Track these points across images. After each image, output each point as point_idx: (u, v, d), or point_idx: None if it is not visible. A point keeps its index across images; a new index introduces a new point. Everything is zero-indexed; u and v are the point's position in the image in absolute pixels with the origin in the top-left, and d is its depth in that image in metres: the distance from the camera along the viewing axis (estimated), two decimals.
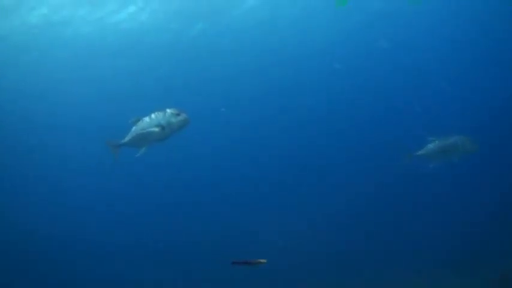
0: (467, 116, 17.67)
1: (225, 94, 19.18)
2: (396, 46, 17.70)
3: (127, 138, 6.86)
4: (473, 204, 15.59)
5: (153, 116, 6.56)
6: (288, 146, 19.94)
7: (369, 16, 16.60)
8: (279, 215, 16.01)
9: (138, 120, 6.70)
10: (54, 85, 17.38)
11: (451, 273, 11.61)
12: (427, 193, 16.38)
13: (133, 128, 6.77)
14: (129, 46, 16.67)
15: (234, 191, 19.19)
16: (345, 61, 18.05)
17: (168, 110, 6.49)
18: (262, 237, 14.70)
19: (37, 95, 17.64)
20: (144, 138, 6.65)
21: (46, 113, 18.17)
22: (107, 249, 16.84)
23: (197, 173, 19.75)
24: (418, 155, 8.95)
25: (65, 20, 15.00)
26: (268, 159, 19.65)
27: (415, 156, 8.94)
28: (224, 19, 16.24)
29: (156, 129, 6.45)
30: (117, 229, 17.96)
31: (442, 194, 16.14)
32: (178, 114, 6.42)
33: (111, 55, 16.83)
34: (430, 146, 8.89)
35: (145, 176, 18.61)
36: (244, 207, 18.16)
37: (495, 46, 17.71)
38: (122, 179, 18.16)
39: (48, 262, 16.11)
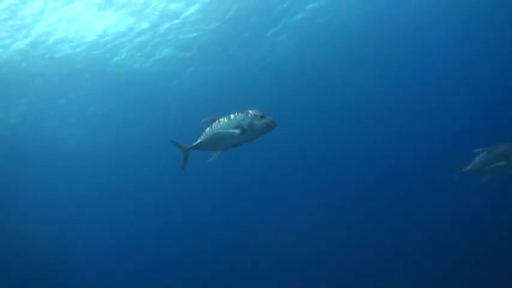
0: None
1: None
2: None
3: (200, 140, 5.99)
4: None
5: (232, 116, 5.79)
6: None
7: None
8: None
9: (214, 120, 5.90)
10: None
11: None
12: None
13: (208, 129, 5.94)
14: None
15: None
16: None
17: (251, 111, 5.72)
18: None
19: None
20: (220, 141, 5.84)
21: None
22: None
23: None
24: (467, 171, 8.08)
25: None
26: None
27: (464, 172, 8.10)
28: None
29: (237, 131, 5.69)
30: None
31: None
32: (262, 116, 5.66)
33: None
34: (478, 158, 7.92)
35: None
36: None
37: None
38: None
39: None
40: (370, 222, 16.44)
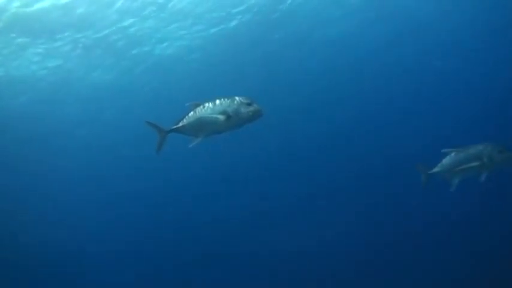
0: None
1: None
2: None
3: (182, 123, 5.76)
4: None
5: (217, 102, 5.55)
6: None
7: None
8: None
9: (198, 105, 5.69)
10: None
11: None
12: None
13: (191, 113, 5.73)
14: None
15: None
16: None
17: (237, 98, 5.49)
18: None
19: None
20: (203, 127, 5.61)
21: None
22: None
23: None
24: (434, 173, 7.17)
25: None
26: None
27: (431, 175, 7.19)
28: None
29: (221, 117, 5.46)
30: None
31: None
32: (249, 104, 5.43)
33: None
34: (446, 160, 7.04)
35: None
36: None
37: None
38: None
39: None
40: (368, 221, 16.28)
